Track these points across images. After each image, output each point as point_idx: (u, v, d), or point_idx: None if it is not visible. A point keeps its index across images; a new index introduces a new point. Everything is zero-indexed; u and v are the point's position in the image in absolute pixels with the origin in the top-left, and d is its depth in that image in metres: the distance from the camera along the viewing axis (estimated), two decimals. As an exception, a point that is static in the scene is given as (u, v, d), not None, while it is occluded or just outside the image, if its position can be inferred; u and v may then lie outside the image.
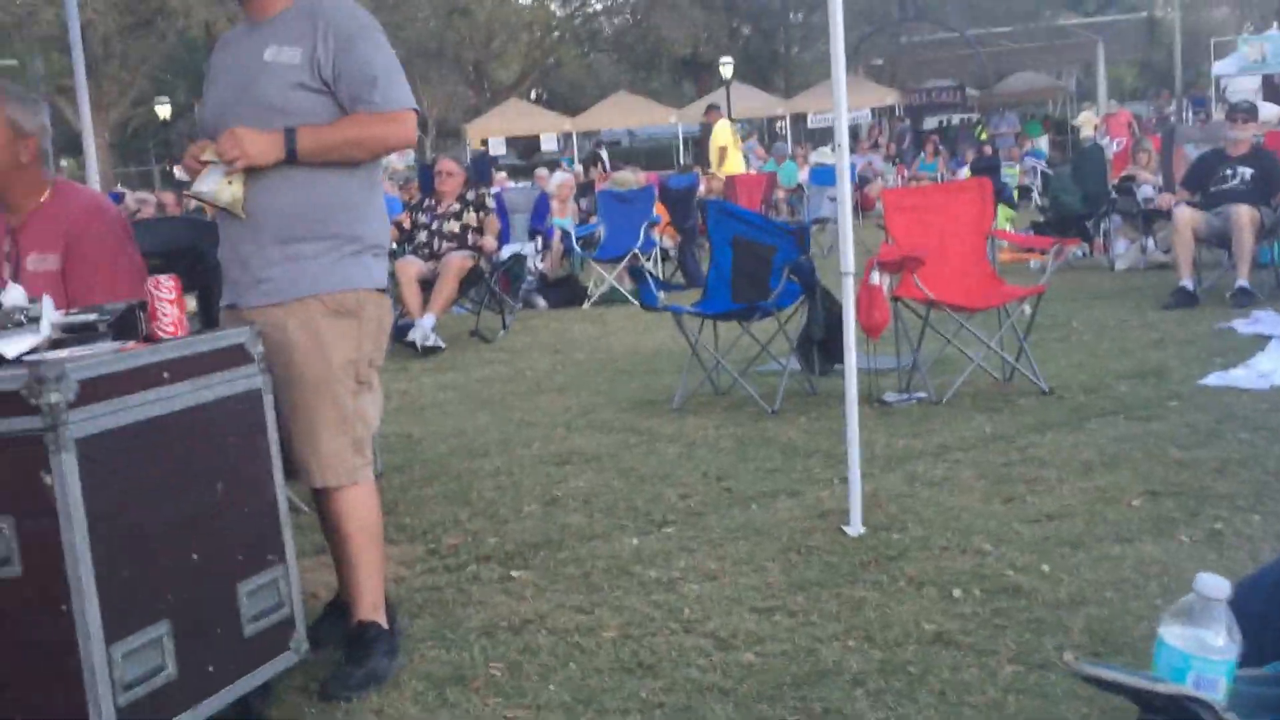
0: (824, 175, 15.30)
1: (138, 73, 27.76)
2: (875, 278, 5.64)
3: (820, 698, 2.74)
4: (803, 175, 18.56)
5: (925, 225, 6.22)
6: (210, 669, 2.60)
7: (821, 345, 5.96)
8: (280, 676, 2.84)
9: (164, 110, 29.57)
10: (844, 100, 3.84)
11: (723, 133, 16.81)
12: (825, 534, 3.87)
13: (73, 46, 5.05)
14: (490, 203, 9.23)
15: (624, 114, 31.45)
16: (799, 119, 30.99)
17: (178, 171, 19.47)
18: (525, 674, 3.00)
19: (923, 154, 23.79)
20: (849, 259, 3.95)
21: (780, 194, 17.87)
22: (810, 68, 33.90)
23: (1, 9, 23.99)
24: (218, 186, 2.87)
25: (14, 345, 2.56)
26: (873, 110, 30.19)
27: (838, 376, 4.13)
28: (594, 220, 12.84)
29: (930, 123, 31.04)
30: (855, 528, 3.86)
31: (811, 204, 15.90)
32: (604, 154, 24.12)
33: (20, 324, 2.65)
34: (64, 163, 26.88)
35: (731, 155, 16.58)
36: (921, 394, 5.71)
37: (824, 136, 26.08)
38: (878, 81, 32.13)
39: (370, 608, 3.09)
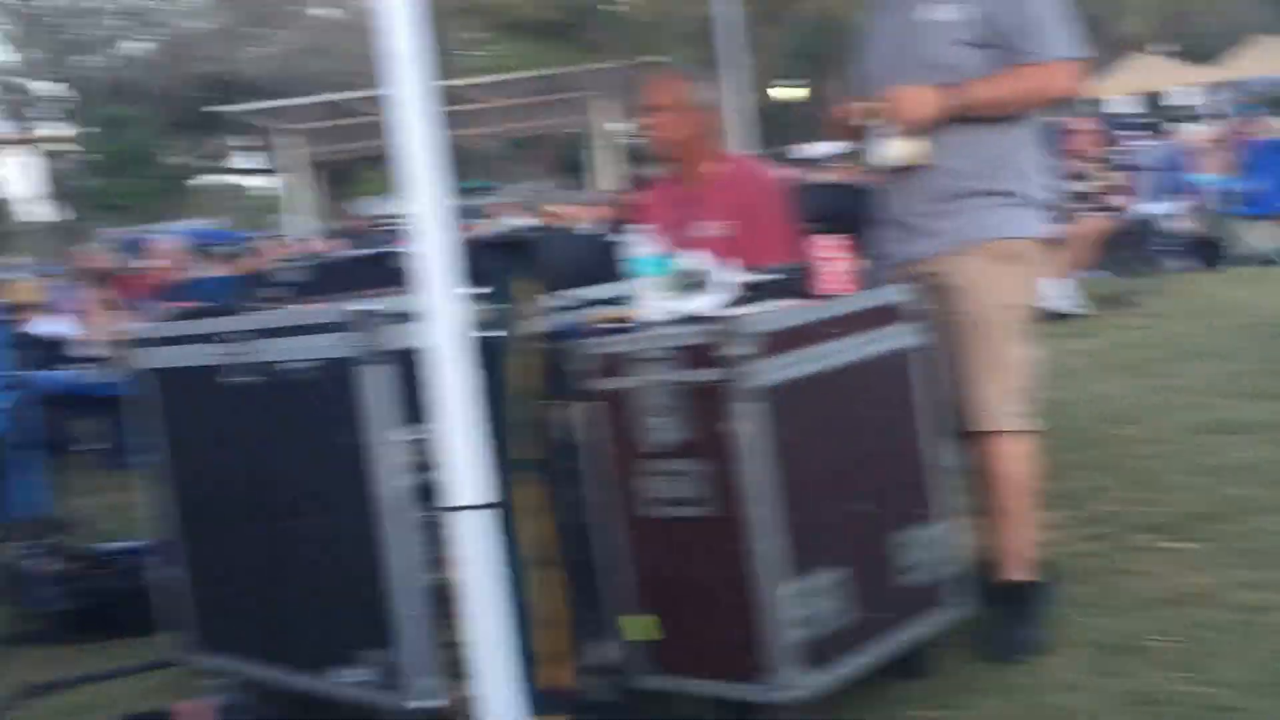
0: None
1: (768, 59, 29.28)
2: None
3: None
4: None
5: None
6: (876, 617, 2.67)
7: None
8: (942, 631, 2.86)
9: (793, 94, 30.88)
10: None
11: None
12: None
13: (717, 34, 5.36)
14: (1123, 161, 8.74)
15: (1268, 59, 28.24)
16: None
17: (802, 149, 20.33)
18: (1198, 649, 2.80)
19: None
20: None
21: None
22: None
23: (645, 9, 26.39)
24: (891, 148, 2.93)
25: (698, 304, 2.78)
26: None
27: None
28: (1244, 174, 11.68)
29: None
30: None
31: None
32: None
33: (703, 285, 2.87)
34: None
35: None
36: None
37: None
38: None
39: (1023, 565, 3.04)
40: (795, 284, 2.82)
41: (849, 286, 2.82)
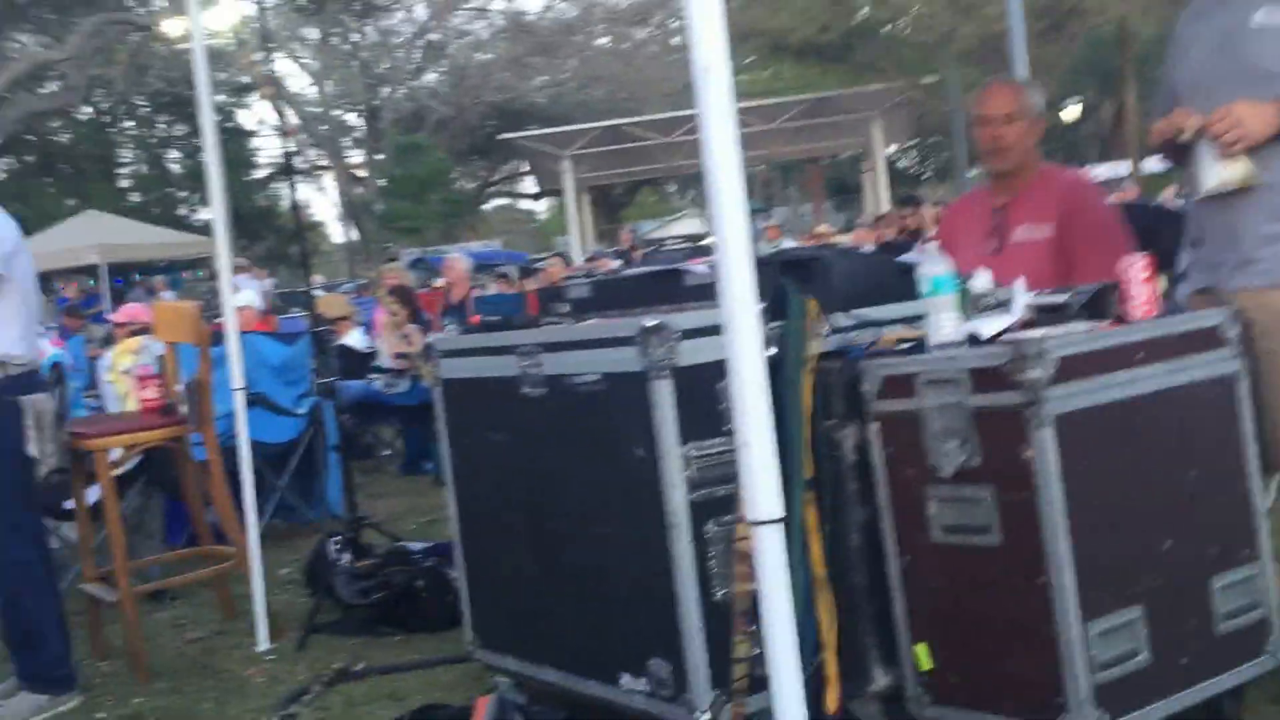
0: None
1: (1048, 77, 28.16)
2: None
3: None
4: None
5: None
6: (1182, 662, 2.51)
7: None
8: (1253, 682, 2.66)
9: (1070, 113, 29.61)
10: None
11: None
12: None
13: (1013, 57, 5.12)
14: None
15: None
16: None
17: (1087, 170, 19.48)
18: None
19: None
20: None
21: None
22: None
23: (926, 28, 25.89)
24: (1223, 170, 2.72)
25: (989, 326, 2.68)
26: None
27: None
28: None
29: None
30: None
31: None
32: None
33: (993, 306, 2.78)
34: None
35: None
36: None
37: None
38: None
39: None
40: (1099, 304, 2.68)
41: (1158, 309, 2.66)
